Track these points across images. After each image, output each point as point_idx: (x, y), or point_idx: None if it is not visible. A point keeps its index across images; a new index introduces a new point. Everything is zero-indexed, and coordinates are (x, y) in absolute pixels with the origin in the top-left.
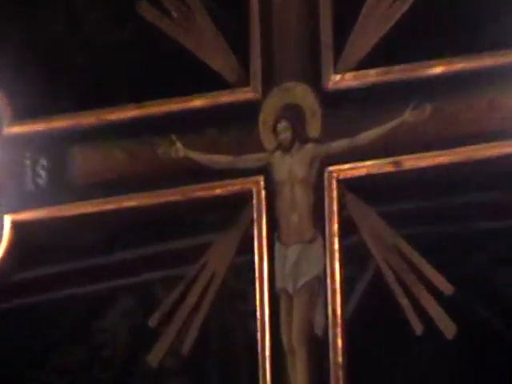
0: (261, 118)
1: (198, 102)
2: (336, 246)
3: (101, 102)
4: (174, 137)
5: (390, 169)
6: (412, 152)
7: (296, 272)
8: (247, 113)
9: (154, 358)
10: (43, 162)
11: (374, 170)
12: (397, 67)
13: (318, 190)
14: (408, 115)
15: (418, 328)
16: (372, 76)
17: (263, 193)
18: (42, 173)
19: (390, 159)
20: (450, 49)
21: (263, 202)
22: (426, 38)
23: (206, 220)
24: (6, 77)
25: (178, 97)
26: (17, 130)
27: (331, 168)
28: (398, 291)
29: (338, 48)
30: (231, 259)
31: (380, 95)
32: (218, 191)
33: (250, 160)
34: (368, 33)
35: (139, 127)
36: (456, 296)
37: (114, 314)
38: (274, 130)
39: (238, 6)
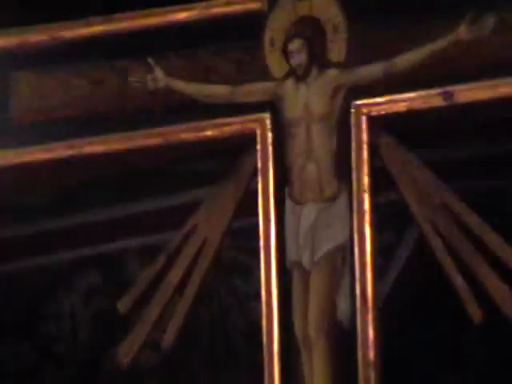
0: (267, 36)
1: (183, 15)
2: (366, 206)
3: (54, 15)
4: (151, 60)
5: (438, 103)
6: (468, 80)
7: (313, 239)
8: (249, 29)
9: (126, 352)
10: None
11: (418, 105)
12: None
13: (342, 130)
14: (463, 31)
15: (476, 315)
16: None
17: (270, 135)
18: None
19: (439, 90)
20: None
21: (270, 147)
22: None
23: (194, 171)
24: None
25: (157, 7)
26: None
27: (360, 101)
28: (450, 266)
29: None
30: (228, 222)
31: (427, 4)
32: (210, 133)
33: (254, 91)
34: None
35: (106, 48)
36: None
37: (72, 297)
38: (285, 52)
39: None
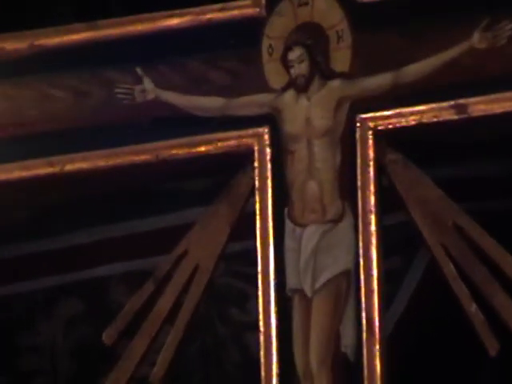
0: (265, 44)
1: (174, 21)
2: (373, 228)
3: (33, 21)
4: (140, 70)
5: (450, 116)
6: (482, 92)
7: (316, 264)
8: (246, 36)
9: None
10: None
11: (428, 118)
12: None
13: (347, 146)
14: (477, 39)
15: (492, 347)
16: None
17: (268, 151)
18: None
19: (451, 102)
20: None
21: (268, 165)
22: None
23: (186, 190)
24: None
25: (146, 13)
26: None
27: (366, 115)
28: (463, 293)
29: None
30: (222, 246)
31: (437, 10)
32: (203, 149)
33: (250, 104)
34: None
35: (90, 57)
36: None
37: (52, 327)
38: (284, 61)
39: None
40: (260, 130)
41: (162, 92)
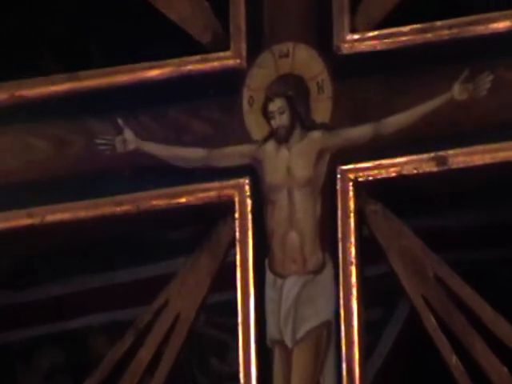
0: (245, 95)
1: (156, 72)
2: (353, 279)
3: (15, 72)
4: (120, 121)
5: (430, 168)
6: (463, 144)
7: (296, 316)
8: (226, 87)
9: None
10: None
11: (408, 170)
12: (440, 23)
13: (327, 197)
14: (457, 90)
15: None
16: (406, 35)
17: (249, 202)
18: None
19: (431, 154)
20: None
21: (249, 216)
22: None
23: (166, 240)
24: None
25: (127, 64)
26: None
27: (347, 166)
28: (444, 345)
29: None
30: (203, 296)
31: (417, 62)
32: (184, 200)
33: (231, 155)
34: None
35: (70, 108)
36: None
37: (32, 378)
38: (265, 113)
39: None
40: (241, 180)
41: (142, 143)
